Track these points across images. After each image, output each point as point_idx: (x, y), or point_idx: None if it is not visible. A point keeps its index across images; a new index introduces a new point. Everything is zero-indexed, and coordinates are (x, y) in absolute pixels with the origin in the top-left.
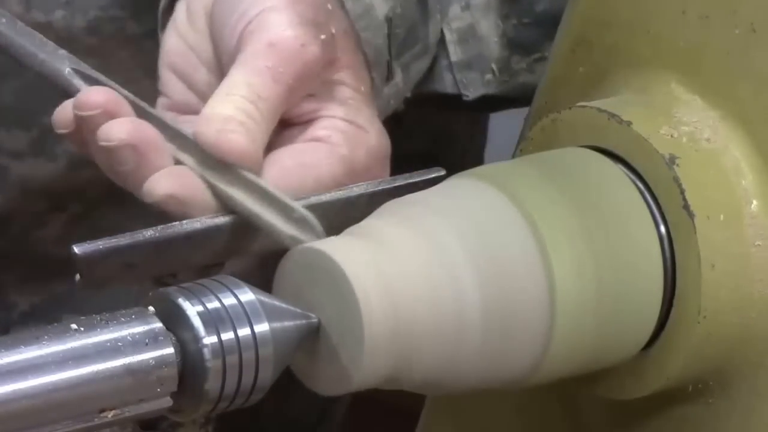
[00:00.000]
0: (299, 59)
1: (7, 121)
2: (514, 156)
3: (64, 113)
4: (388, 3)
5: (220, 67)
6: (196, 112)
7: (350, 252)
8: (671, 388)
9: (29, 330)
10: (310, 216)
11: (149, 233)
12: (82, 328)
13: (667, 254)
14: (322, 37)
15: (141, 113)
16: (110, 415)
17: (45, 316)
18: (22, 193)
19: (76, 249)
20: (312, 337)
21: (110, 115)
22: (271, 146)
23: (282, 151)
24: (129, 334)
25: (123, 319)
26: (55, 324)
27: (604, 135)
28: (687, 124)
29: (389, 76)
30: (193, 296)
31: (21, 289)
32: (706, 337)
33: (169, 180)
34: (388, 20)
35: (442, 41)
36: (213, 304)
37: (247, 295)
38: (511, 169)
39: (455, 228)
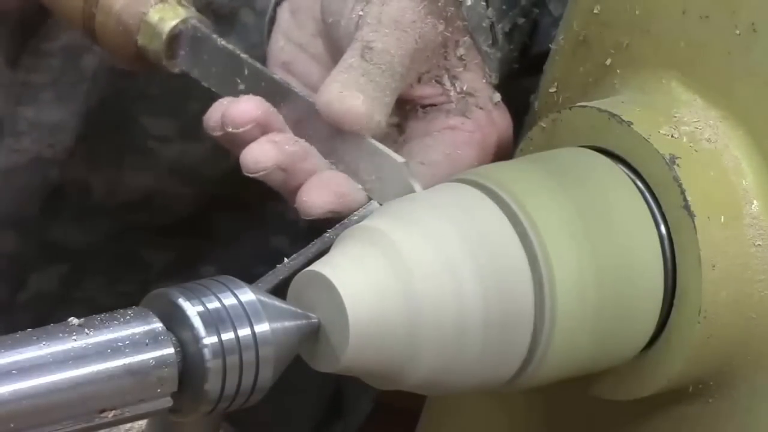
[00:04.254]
0: (419, 28)
1: (156, 109)
2: (514, 156)
3: (215, 117)
4: None
5: (334, 60)
6: None
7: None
8: (672, 388)
9: (29, 330)
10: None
11: None
12: (82, 328)
13: (668, 254)
14: (442, 13)
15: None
16: (110, 415)
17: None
18: (169, 175)
19: None
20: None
21: (261, 129)
22: (403, 130)
23: (423, 143)
24: (129, 334)
25: (123, 319)
26: (55, 324)
27: (604, 135)
28: (687, 124)
29: (494, 42)
30: (194, 296)
31: (156, 248)
32: (707, 338)
33: (323, 193)
34: None
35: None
36: (213, 304)
37: (248, 295)
38: (512, 168)
39: (456, 227)
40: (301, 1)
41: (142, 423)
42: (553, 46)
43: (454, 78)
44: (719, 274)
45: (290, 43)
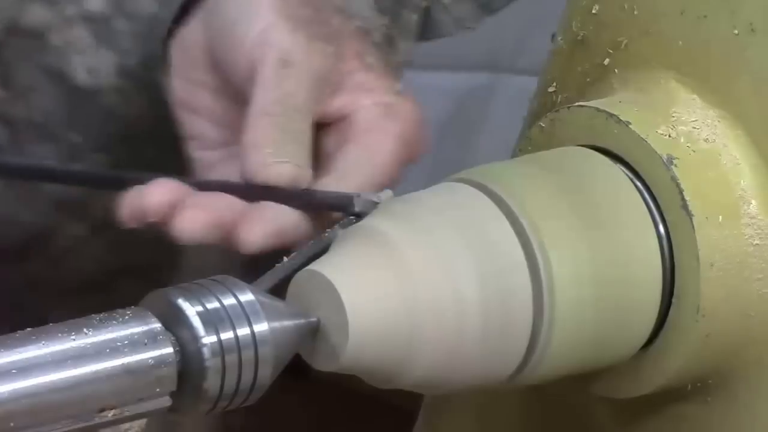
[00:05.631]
0: (314, 66)
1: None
2: (512, 156)
3: (128, 211)
4: None
5: (233, 92)
6: (225, 143)
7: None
8: (670, 387)
9: (28, 330)
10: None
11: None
12: (81, 328)
13: (666, 253)
14: (325, 32)
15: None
16: (110, 414)
17: None
18: (57, 213)
19: None
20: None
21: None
22: (320, 151)
23: (344, 159)
24: (128, 333)
25: (122, 319)
26: (54, 324)
27: (602, 135)
28: (685, 123)
29: (390, 42)
30: (192, 296)
31: (56, 307)
32: (705, 337)
33: (262, 227)
34: None
35: None
36: (212, 304)
37: (247, 295)
38: (510, 168)
39: (455, 226)
40: (189, 37)
41: (142, 422)
42: (551, 46)
43: (357, 87)
44: (717, 273)
45: (185, 81)
